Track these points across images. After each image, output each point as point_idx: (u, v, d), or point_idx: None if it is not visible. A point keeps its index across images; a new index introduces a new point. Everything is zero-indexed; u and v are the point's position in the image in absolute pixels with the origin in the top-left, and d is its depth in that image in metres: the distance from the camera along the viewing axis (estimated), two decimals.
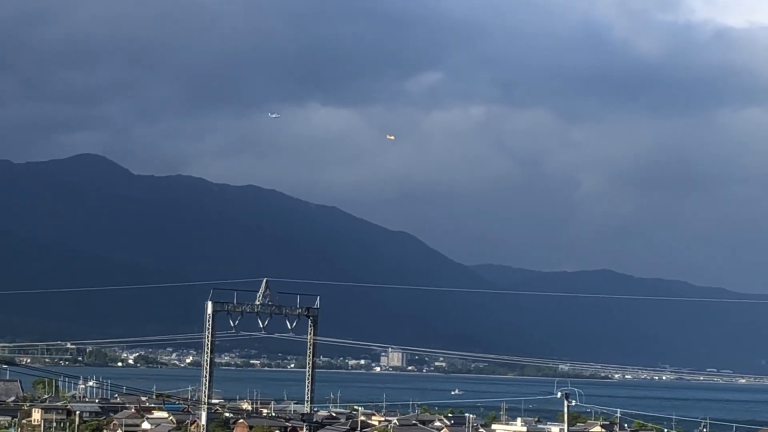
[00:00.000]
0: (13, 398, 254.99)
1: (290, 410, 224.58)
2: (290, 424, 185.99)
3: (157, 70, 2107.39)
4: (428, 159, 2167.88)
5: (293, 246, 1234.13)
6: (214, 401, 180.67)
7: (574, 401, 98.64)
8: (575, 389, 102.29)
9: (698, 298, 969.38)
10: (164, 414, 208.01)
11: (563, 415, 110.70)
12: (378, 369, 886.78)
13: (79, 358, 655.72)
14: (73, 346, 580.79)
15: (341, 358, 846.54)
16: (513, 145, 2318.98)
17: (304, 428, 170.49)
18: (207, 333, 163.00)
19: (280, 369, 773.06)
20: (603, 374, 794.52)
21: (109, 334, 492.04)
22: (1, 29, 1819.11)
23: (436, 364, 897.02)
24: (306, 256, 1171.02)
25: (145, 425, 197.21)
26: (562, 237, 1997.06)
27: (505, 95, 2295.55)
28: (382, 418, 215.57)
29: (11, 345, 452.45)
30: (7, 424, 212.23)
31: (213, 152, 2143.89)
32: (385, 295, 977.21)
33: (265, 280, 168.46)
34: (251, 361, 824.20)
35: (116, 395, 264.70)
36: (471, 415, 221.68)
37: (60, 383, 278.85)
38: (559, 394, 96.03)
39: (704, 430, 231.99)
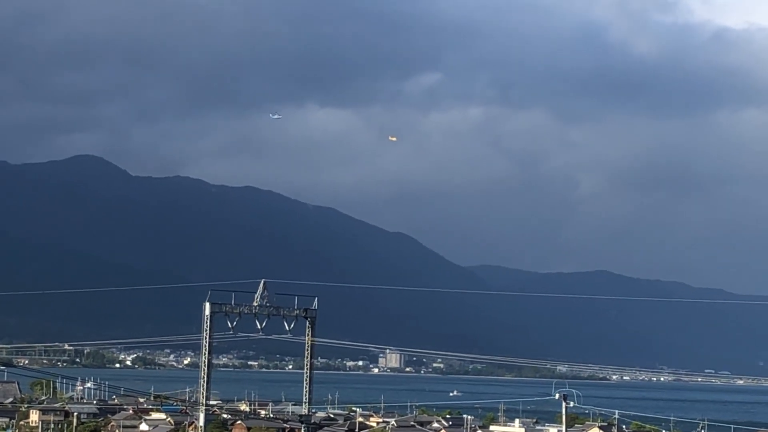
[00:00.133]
0: (10, 399, 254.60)
1: (288, 411, 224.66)
2: (288, 426, 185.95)
3: (155, 71, 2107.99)
4: (426, 160, 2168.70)
5: (291, 247, 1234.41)
6: (212, 402, 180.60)
7: (572, 402, 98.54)
8: (573, 390, 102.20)
9: (696, 300, 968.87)
10: (162, 415, 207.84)
11: (561, 417, 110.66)
12: (376, 370, 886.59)
13: (77, 360, 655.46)
14: (71, 348, 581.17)
15: (339, 360, 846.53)
16: (511, 146, 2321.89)
17: (302, 429, 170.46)
18: (205, 334, 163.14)
19: (278, 370, 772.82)
20: (601, 375, 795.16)
21: (106, 335, 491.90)
22: None
23: (434, 365, 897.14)
24: (303, 257, 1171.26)
25: (143, 427, 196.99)
26: (559, 238, 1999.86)
27: (503, 96, 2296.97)
28: (380, 420, 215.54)
29: (9, 346, 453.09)
30: (4, 426, 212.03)
31: (211, 153, 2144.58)
32: (382, 296, 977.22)
33: (262, 282, 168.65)
34: (249, 363, 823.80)
35: (114, 396, 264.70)
36: (469, 417, 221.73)
37: (58, 384, 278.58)
38: (557, 396, 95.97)
39: (702, 431, 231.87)
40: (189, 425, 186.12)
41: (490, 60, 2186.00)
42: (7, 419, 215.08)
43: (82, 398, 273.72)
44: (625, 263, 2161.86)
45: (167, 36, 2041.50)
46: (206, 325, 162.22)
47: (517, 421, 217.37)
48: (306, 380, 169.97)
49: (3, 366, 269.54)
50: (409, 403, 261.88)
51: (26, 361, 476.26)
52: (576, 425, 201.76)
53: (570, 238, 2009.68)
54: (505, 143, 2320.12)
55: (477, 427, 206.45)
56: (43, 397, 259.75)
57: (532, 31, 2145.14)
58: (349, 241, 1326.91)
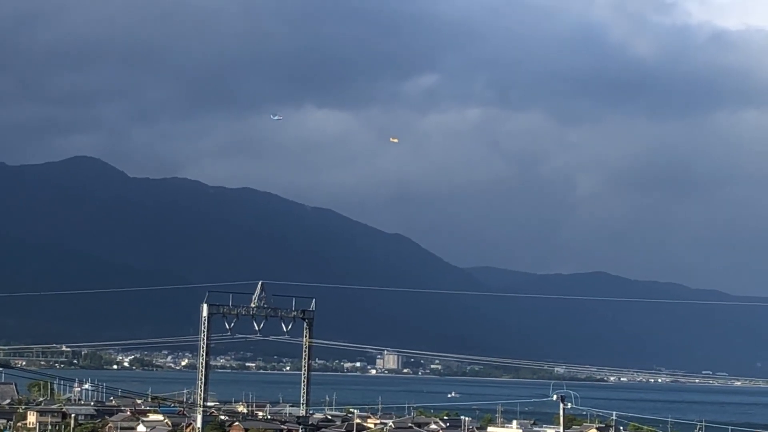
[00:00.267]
0: (8, 401, 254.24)
1: (286, 413, 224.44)
2: (286, 427, 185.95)
3: (153, 73, 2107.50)
4: (424, 161, 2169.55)
5: (288, 248, 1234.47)
6: (209, 404, 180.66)
7: (569, 404, 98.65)
8: (571, 392, 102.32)
9: (693, 301, 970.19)
10: (160, 417, 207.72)
11: (559, 418, 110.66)
12: (374, 371, 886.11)
13: (75, 361, 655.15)
14: (69, 349, 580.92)
15: (337, 361, 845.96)
16: (509, 148, 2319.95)
17: (300, 431, 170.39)
18: (202, 335, 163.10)
19: (276, 372, 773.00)
20: (598, 377, 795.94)
21: (104, 336, 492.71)
22: None
23: (432, 366, 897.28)
24: (301, 258, 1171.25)
25: (141, 428, 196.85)
26: (557, 239, 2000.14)
27: (501, 97, 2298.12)
28: (378, 421, 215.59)
29: (6, 348, 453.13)
30: (2, 427, 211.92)
31: (208, 154, 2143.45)
32: (380, 298, 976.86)
33: (260, 283, 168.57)
34: (247, 364, 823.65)
35: (111, 398, 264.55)
36: (467, 418, 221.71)
37: (55, 386, 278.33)
38: (554, 397, 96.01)
39: None
40: (187, 427, 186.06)
41: (488, 61, 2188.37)
42: (4, 421, 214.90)
43: (79, 400, 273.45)
44: (622, 264, 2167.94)
45: (166, 37, 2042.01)
46: (204, 327, 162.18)
47: (514, 422, 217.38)
48: (303, 381, 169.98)
49: (0, 367, 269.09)
50: (406, 405, 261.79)
51: (24, 363, 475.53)
52: (573, 427, 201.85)
53: (568, 239, 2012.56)
54: (504, 144, 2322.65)
55: (475, 429, 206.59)
56: (41, 399, 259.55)
57: (531, 33, 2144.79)
58: (347, 242, 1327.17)
